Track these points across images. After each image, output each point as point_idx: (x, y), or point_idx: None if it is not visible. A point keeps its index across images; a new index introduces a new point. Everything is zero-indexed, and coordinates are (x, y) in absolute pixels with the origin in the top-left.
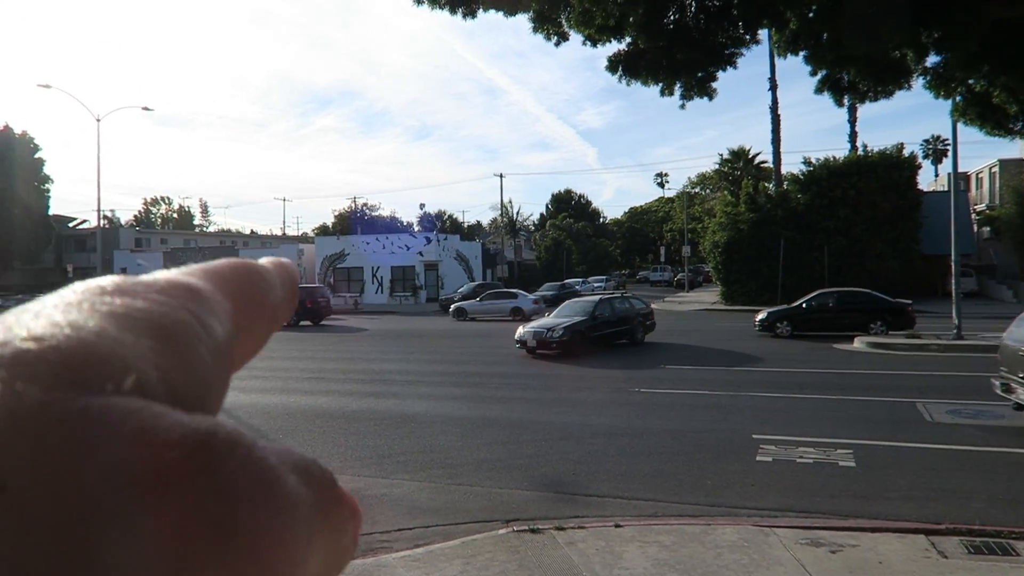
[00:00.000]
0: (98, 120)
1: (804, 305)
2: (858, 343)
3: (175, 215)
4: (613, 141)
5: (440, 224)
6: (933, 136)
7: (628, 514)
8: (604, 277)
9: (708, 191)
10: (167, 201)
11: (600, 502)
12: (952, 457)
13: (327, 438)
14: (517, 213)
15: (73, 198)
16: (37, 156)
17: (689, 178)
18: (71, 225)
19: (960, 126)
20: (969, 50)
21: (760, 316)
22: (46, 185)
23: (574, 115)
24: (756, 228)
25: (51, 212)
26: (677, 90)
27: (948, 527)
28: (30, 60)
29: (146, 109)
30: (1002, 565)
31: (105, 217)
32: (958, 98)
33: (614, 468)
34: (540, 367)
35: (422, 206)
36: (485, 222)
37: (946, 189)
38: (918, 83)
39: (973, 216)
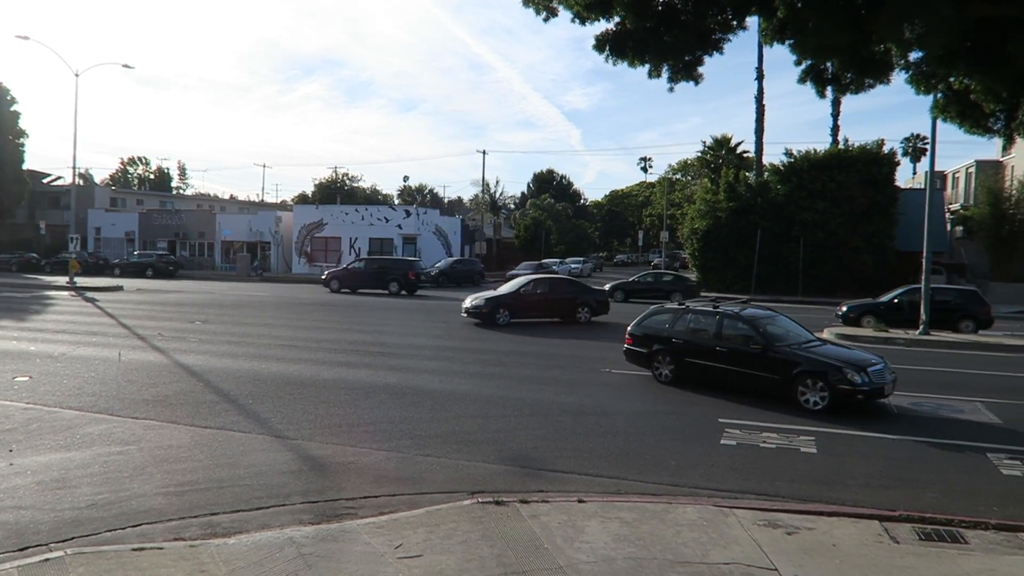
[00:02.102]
0: (76, 75)
1: (520, 290)
2: (827, 334)
3: (152, 176)
4: (598, 123)
5: (420, 197)
6: (913, 134)
7: (592, 490)
8: (582, 259)
9: (690, 178)
10: (144, 162)
11: (565, 478)
12: (911, 448)
13: (297, 406)
14: (501, 192)
15: (48, 154)
16: (13, 109)
17: (671, 164)
18: (45, 181)
19: (940, 126)
20: (950, 47)
21: (474, 303)
22: (21, 139)
23: (560, 95)
24: (735, 217)
25: (25, 167)
26: (664, 72)
27: (902, 514)
28: (8, 10)
29: (127, 67)
30: (950, 552)
31: (80, 175)
32: (939, 95)
33: (581, 445)
34: (513, 344)
35: (406, 178)
36: (466, 198)
37: (923, 187)
38: (899, 78)
39: (948, 215)
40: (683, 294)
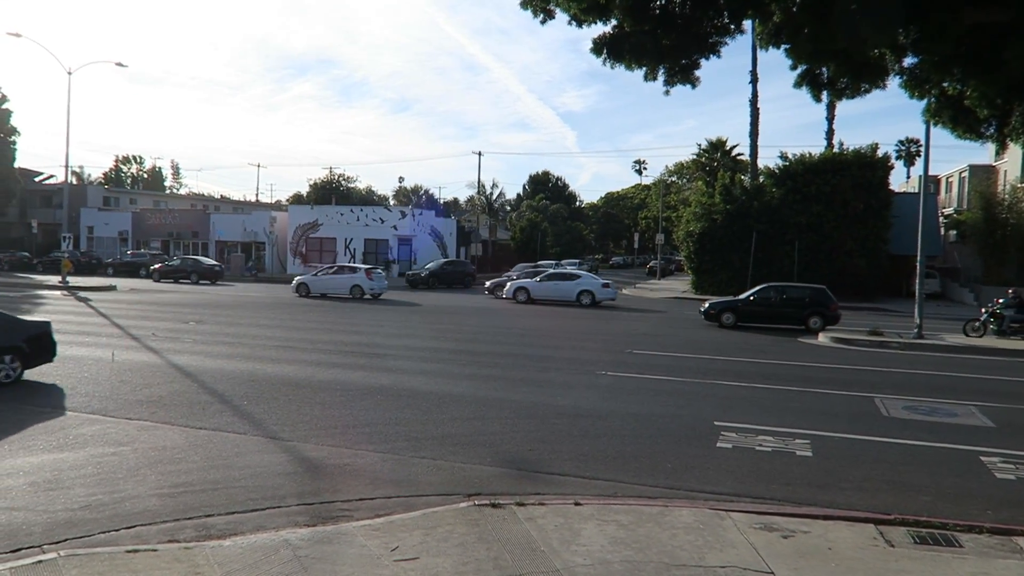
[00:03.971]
0: (69, 73)
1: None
2: (823, 337)
3: (145, 175)
4: (593, 125)
5: (417, 198)
6: (907, 138)
7: (588, 493)
8: (577, 260)
9: (685, 180)
10: (138, 160)
11: (561, 480)
12: (905, 451)
13: (292, 407)
14: (500, 194)
15: (40, 152)
16: (4, 107)
17: (667, 166)
18: (37, 180)
19: (934, 130)
20: (944, 52)
21: None
22: (12, 137)
23: (555, 97)
24: (730, 220)
25: (17, 165)
26: (660, 75)
27: (897, 518)
28: (0, 7)
29: (120, 65)
30: (945, 556)
31: (73, 173)
32: (932, 100)
33: (577, 448)
34: (508, 345)
35: (401, 179)
36: (462, 199)
37: (916, 191)
38: (894, 83)
39: (941, 219)
40: None
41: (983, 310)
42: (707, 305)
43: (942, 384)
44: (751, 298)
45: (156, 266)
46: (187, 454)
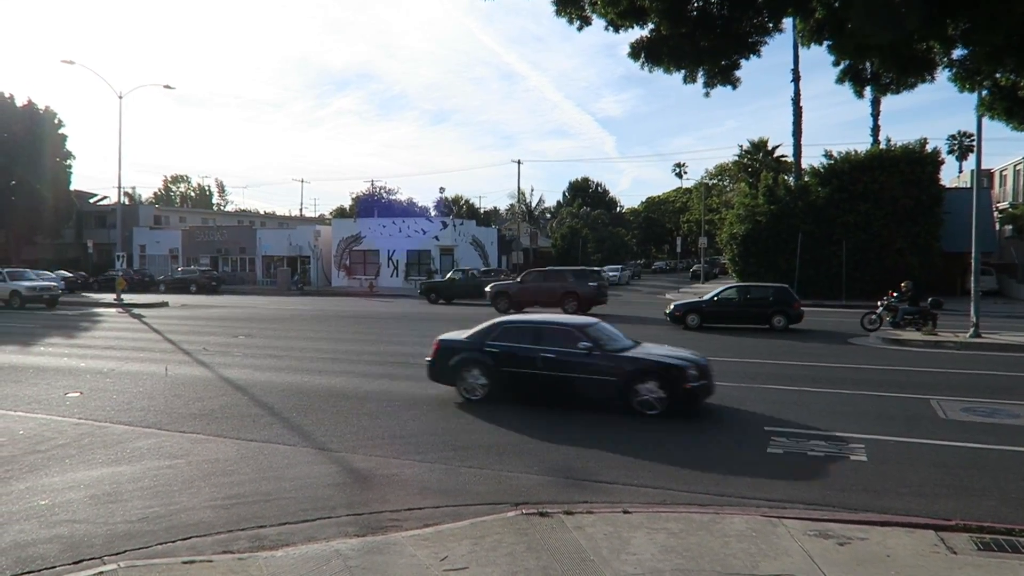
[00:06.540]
0: (120, 97)
1: None
2: (872, 339)
3: (194, 194)
4: (632, 130)
5: (456, 208)
6: (959, 132)
7: (637, 501)
8: (619, 266)
9: (727, 183)
10: (186, 180)
11: (609, 488)
12: (965, 455)
13: (340, 418)
14: (540, 201)
15: (94, 174)
16: (60, 132)
17: (707, 169)
18: (92, 201)
19: (986, 122)
20: (995, 43)
21: None
22: (68, 161)
23: (593, 103)
24: (774, 221)
25: (73, 188)
26: (700, 77)
27: (958, 523)
28: (54, 35)
29: (167, 87)
30: (1011, 563)
31: (126, 194)
32: (984, 92)
33: (624, 455)
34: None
35: (442, 190)
36: (502, 208)
37: (969, 186)
38: (942, 76)
39: (996, 214)
40: None
41: (879, 303)
42: (672, 307)
43: (1002, 384)
44: (715, 299)
45: None
46: (239, 466)
